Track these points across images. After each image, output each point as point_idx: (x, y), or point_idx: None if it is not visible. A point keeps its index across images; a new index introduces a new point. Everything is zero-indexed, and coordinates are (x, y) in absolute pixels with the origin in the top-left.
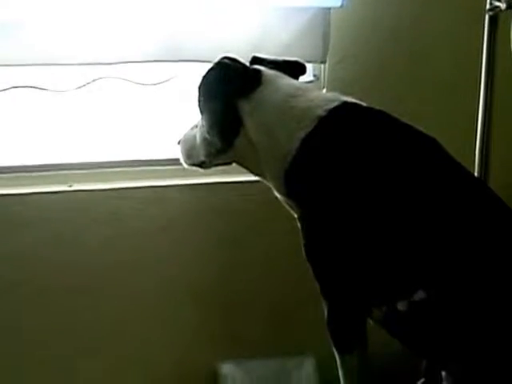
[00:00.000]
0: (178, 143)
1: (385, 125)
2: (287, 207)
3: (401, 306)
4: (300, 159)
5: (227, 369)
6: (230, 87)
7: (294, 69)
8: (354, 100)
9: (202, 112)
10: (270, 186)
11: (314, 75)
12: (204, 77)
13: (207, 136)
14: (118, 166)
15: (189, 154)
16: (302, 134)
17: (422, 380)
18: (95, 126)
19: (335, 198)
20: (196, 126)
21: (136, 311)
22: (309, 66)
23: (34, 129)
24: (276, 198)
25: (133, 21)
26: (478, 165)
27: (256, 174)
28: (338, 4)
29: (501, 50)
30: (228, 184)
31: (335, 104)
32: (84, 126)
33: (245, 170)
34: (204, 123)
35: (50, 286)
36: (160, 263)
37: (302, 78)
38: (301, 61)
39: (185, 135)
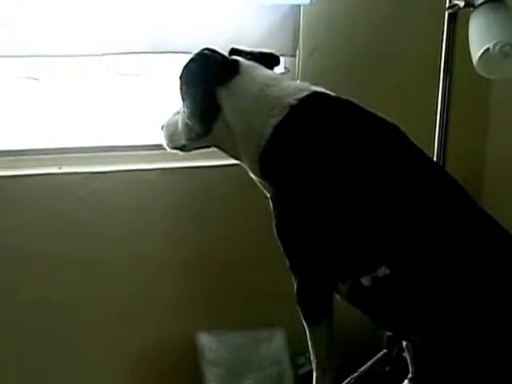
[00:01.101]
0: (162, 128)
1: (351, 113)
2: (261, 187)
3: (365, 280)
4: (272, 144)
5: (204, 339)
6: (210, 75)
7: (269, 60)
8: (323, 90)
9: (183, 99)
10: (246, 167)
11: (285, 67)
12: (185, 66)
13: (188, 121)
14: (103, 151)
15: (171, 138)
16: (274, 121)
17: (385, 350)
18: (83, 113)
19: (304, 179)
20: (178, 113)
21: (114, 284)
22: (281, 59)
23: (26, 116)
24: (251, 179)
25: (116, 14)
26: (437, 151)
27: (233, 157)
28: (308, 1)
29: (459, 45)
30: (202, 168)
31: (305, 93)
32: (71, 113)
33: (220, 155)
34: (185, 110)
35: (40, 256)
36: (139, 239)
37: (275, 70)
38: (275, 53)
39: (167, 121)
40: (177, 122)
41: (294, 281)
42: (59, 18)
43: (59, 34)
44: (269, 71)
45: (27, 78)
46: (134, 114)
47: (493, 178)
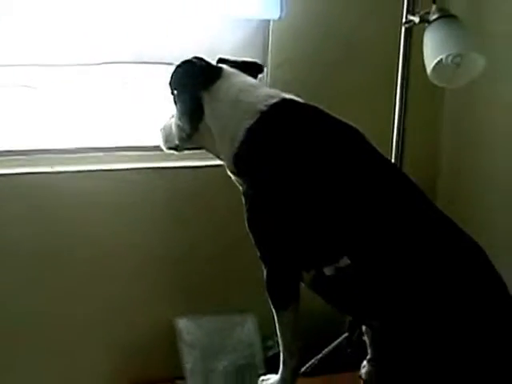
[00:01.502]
0: (160, 130)
1: (315, 117)
2: (237, 184)
3: (327, 270)
4: (244, 145)
5: (183, 324)
6: (195, 80)
7: (253, 68)
8: (292, 96)
9: (175, 102)
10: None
11: None
12: (174, 72)
13: (179, 122)
14: (93, 152)
15: (166, 139)
16: (246, 124)
17: (346, 334)
18: (74, 116)
19: (271, 178)
20: (172, 116)
21: (101, 275)
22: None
23: (23, 119)
24: (226, 180)
25: (99, 26)
26: (395, 154)
27: (217, 157)
28: (277, 17)
29: (415, 58)
30: (185, 168)
31: (275, 100)
32: (64, 116)
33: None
34: (177, 112)
35: (28, 250)
36: (123, 232)
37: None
38: (258, 62)
39: (164, 124)
40: (171, 125)
41: (264, 269)
42: (49, 28)
43: (49, 44)
44: (249, 78)
45: (22, 86)
46: (122, 117)
47: (446, 179)
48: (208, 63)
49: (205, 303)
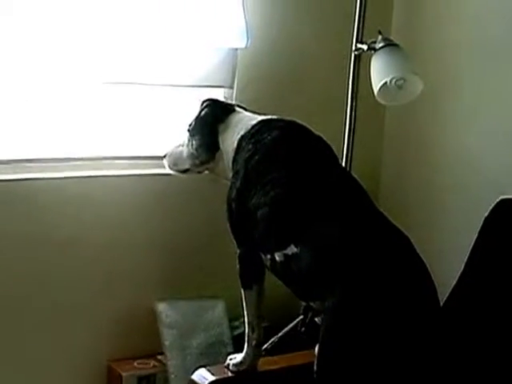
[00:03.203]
0: (165, 156)
1: (291, 126)
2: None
3: (277, 256)
4: (237, 148)
5: (162, 307)
6: (215, 118)
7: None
8: (269, 116)
9: (192, 135)
10: (222, 178)
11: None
12: (199, 113)
13: (194, 152)
14: (84, 160)
15: (174, 163)
16: (240, 135)
17: (301, 317)
18: (71, 126)
19: (243, 173)
20: (182, 145)
21: (88, 264)
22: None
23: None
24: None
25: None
26: (345, 160)
27: (224, 178)
28: (243, 45)
29: (362, 81)
30: (167, 175)
31: (262, 117)
32: (61, 126)
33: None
34: (193, 143)
35: (33, 241)
36: (110, 228)
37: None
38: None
39: (171, 151)
40: (181, 152)
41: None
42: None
43: (46, 60)
44: (250, 114)
45: (18, 97)
46: (116, 127)
47: (387, 182)
48: (224, 103)
49: (182, 289)
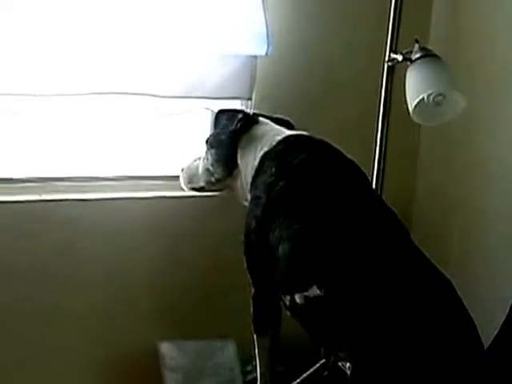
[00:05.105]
0: (182, 170)
1: (320, 146)
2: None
3: (298, 298)
4: (258, 167)
5: (166, 348)
6: (236, 129)
7: (283, 124)
8: (297, 132)
9: (209, 148)
10: (239, 198)
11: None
12: (219, 121)
13: (210, 167)
14: (80, 181)
15: (190, 179)
16: (263, 151)
17: (323, 360)
18: (64, 146)
19: (267, 204)
20: (199, 159)
21: (87, 298)
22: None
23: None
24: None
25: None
26: (375, 179)
27: (240, 198)
28: (263, 53)
29: (395, 94)
30: (169, 198)
31: (283, 136)
32: (52, 145)
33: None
34: (209, 157)
35: (20, 271)
36: (111, 259)
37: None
38: (291, 121)
39: (188, 165)
40: (197, 167)
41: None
42: (39, 58)
43: (37, 73)
44: (278, 126)
45: (8, 113)
46: (113, 146)
47: (421, 210)
48: (244, 112)
49: (188, 329)
